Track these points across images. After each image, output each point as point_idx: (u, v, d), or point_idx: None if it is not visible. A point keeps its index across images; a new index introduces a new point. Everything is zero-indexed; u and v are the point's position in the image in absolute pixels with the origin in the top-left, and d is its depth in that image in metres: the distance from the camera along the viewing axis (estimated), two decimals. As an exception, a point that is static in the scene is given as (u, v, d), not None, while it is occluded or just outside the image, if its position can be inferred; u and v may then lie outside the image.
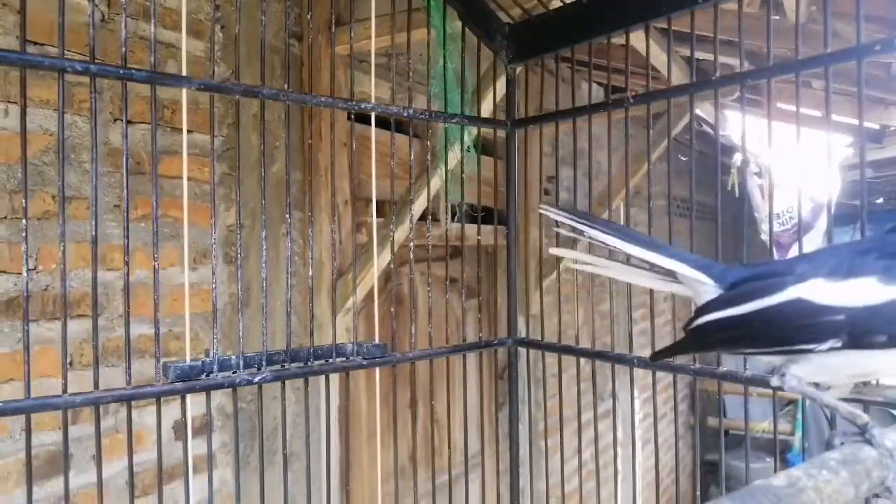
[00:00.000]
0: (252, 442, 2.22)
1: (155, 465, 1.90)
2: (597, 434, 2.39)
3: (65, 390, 1.34)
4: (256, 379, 1.60)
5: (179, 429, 2.04)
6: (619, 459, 2.05)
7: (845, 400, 1.03)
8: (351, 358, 1.79)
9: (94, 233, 1.38)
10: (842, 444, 0.93)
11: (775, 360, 1.02)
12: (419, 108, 1.96)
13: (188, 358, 1.55)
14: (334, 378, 1.90)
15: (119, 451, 1.90)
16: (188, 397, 1.52)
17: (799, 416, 6.21)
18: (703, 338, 1.07)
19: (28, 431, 1.31)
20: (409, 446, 2.04)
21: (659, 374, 1.96)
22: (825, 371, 0.98)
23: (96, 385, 1.38)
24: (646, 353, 1.85)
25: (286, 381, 1.70)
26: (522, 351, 2.35)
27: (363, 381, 2.70)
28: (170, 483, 1.97)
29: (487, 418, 3.40)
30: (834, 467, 0.84)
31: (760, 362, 1.08)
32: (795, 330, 0.98)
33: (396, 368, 1.90)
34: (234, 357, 1.59)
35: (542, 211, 1.27)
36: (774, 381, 1.01)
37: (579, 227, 1.20)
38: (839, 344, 0.93)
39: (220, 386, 1.55)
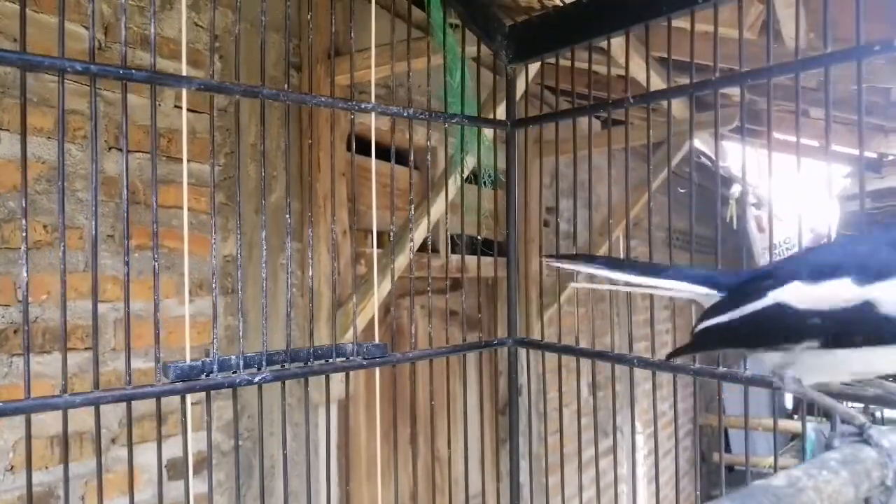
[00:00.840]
0: (250, 481, 2.15)
1: None
2: (598, 470, 2.32)
3: (64, 390, 1.32)
4: (256, 379, 1.56)
5: (174, 467, 1.97)
6: (624, 496, 1.98)
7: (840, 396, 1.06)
8: (351, 358, 1.75)
9: (94, 260, 1.36)
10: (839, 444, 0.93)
11: (775, 358, 1.05)
12: (419, 108, 1.93)
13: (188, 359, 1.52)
14: (334, 380, 1.84)
15: (111, 491, 1.84)
16: (188, 399, 1.49)
17: (805, 450, 6.11)
18: (704, 340, 1.15)
19: (28, 431, 1.28)
20: (410, 483, 1.97)
21: (662, 407, 1.91)
22: (820, 370, 1.01)
23: (96, 385, 1.36)
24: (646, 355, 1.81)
25: (286, 381, 1.66)
26: (524, 379, 2.29)
27: (363, 414, 2.64)
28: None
29: (489, 456, 3.33)
30: (834, 467, 0.83)
31: (762, 364, 1.09)
32: (775, 331, 1.03)
33: (397, 392, 1.84)
34: (234, 357, 1.56)
35: (546, 262, 1.37)
36: (776, 382, 1.05)
37: (583, 270, 1.31)
38: (816, 344, 0.97)
39: (220, 386, 1.52)
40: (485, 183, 2.15)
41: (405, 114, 1.88)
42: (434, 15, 1.96)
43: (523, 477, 2.28)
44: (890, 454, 0.87)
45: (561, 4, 2.00)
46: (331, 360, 1.72)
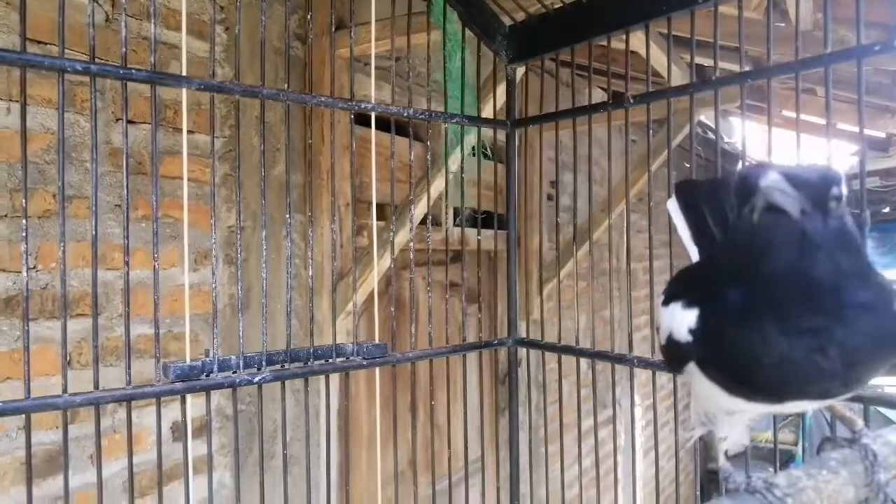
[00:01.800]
0: (251, 444, 2.21)
1: (152, 465, 1.92)
2: (597, 441, 2.37)
3: (65, 390, 1.34)
4: (256, 379, 1.59)
5: (178, 429, 2.03)
6: (620, 467, 2.04)
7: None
8: (351, 358, 1.79)
9: (94, 232, 1.38)
10: (832, 448, 0.92)
11: None
12: (419, 108, 1.95)
13: (188, 358, 1.55)
14: (334, 379, 1.89)
15: (117, 451, 1.90)
16: (188, 397, 1.52)
17: (802, 425, 6.17)
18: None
19: (28, 432, 1.31)
20: (409, 451, 2.03)
21: (660, 379, 1.95)
22: (705, 405, 0.93)
23: (96, 385, 1.38)
24: (646, 354, 1.84)
25: (286, 381, 1.69)
26: (523, 352, 2.34)
27: (363, 384, 2.70)
28: (168, 484, 1.97)
29: (488, 424, 3.39)
30: (834, 467, 0.84)
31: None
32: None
33: (397, 371, 1.89)
34: (234, 357, 1.59)
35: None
36: None
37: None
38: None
39: (219, 386, 1.55)
40: (485, 155, 2.16)
41: (405, 114, 1.89)
42: (438, 17, 1.97)
43: (522, 447, 2.34)
44: (875, 465, 0.85)
45: (561, 4, 1.99)
46: (331, 360, 1.75)
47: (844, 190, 0.75)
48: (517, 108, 2.23)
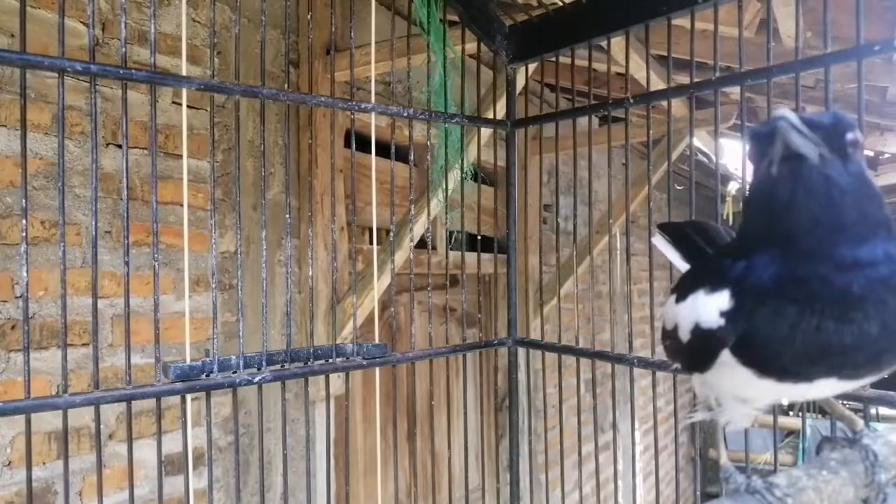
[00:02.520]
0: (246, 477, 2.15)
1: (144, 502, 1.86)
2: (598, 466, 2.33)
3: (65, 390, 1.32)
4: (256, 379, 1.56)
5: (172, 463, 1.97)
6: (620, 492, 1.99)
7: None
8: (351, 358, 1.75)
9: (94, 252, 1.35)
10: (832, 448, 0.91)
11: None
12: (419, 108, 1.93)
13: (188, 358, 1.52)
14: (332, 392, 1.84)
15: (107, 487, 1.84)
16: (188, 399, 1.49)
17: (801, 446, 6.14)
18: None
19: (28, 432, 1.28)
20: (408, 479, 1.97)
21: (659, 403, 1.91)
22: (716, 394, 0.92)
23: (96, 385, 1.36)
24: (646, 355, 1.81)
25: (286, 382, 1.66)
26: (522, 358, 2.29)
27: (360, 410, 2.64)
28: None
29: (487, 451, 3.33)
30: (834, 467, 0.83)
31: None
32: (664, 346, 0.98)
33: (395, 380, 1.85)
34: (234, 357, 1.56)
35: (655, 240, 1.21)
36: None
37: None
38: (678, 367, 0.92)
39: (219, 386, 1.52)
40: (468, 178, 2.14)
41: (405, 114, 1.88)
42: (419, 12, 1.96)
43: (521, 473, 2.29)
44: (876, 466, 0.84)
45: (561, 4, 1.99)
46: (330, 360, 1.71)
47: (860, 136, 0.72)
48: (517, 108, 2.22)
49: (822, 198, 0.69)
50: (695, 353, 0.82)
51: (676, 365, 0.92)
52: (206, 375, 1.51)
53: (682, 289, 0.87)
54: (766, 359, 0.74)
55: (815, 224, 0.69)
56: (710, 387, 0.88)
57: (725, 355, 0.77)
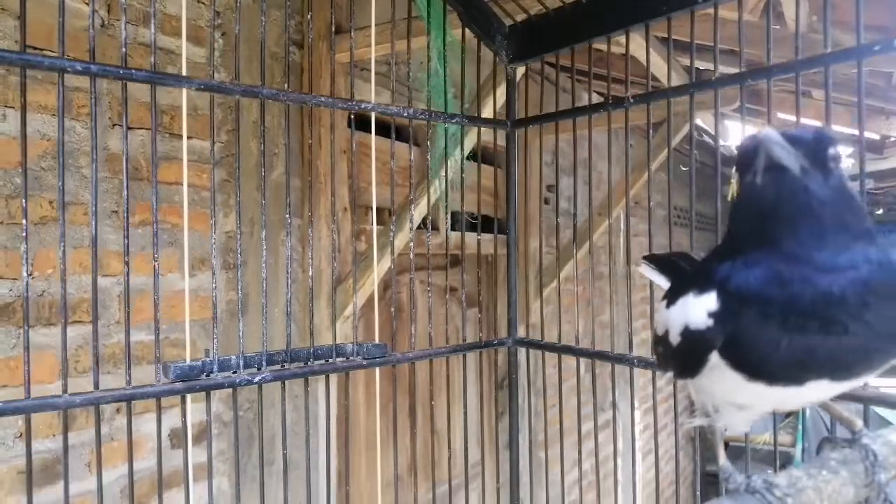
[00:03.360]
0: (250, 450, 2.20)
1: (150, 472, 1.91)
2: (597, 444, 2.37)
3: (65, 390, 1.34)
4: (256, 379, 1.58)
5: (176, 436, 2.02)
6: (620, 470, 2.03)
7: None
8: (351, 358, 1.78)
9: (94, 234, 1.37)
10: (832, 448, 0.91)
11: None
12: (419, 108, 1.95)
13: (188, 359, 1.54)
14: (333, 384, 1.88)
15: (114, 458, 1.88)
16: (188, 399, 1.51)
17: (800, 427, 6.18)
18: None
19: (28, 432, 1.30)
20: (409, 456, 2.02)
21: (659, 382, 1.94)
22: (712, 401, 0.91)
23: (96, 385, 1.38)
24: (646, 355, 1.83)
25: (286, 382, 1.68)
26: (522, 354, 2.32)
27: (362, 388, 2.69)
28: (168, 490, 1.95)
29: (487, 429, 3.38)
30: (834, 467, 0.83)
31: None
32: (656, 354, 1.00)
33: (396, 374, 1.88)
34: (234, 357, 1.58)
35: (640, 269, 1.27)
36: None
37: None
38: (670, 374, 0.92)
39: (220, 386, 1.54)
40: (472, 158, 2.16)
41: (405, 114, 1.89)
42: (420, 3, 1.96)
43: (521, 451, 2.33)
44: (876, 466, 0.85)
45: (561, 4, 1.99)
46: (330, 360, 1.74)
47: (841, 150, 0.74)
48: (517, 108, 2.22)
49: (802, 205, 0.72)
50: (685, 355, 0.83)
51: (669, 373, 0.93)
52: (206, 375, 1.53)
53: (673, 294, 0.89)
54: (753, 360, 0.76)
55: (797, 229, 0.72)
56: (706, 393, 0.89)
57: (715, 358, 0.79)
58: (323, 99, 1.77)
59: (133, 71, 1.41)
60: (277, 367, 1.65)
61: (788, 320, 0.71)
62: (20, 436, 1.72)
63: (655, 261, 1.17)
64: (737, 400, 0.84)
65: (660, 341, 0.91)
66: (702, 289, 0.80)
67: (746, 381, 0.77)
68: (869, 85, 2.70)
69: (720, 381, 0.81)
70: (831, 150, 0.73)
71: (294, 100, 1.73)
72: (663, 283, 1.12)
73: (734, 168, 0.79)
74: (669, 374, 1.04)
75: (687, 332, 0.81)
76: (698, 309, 0.80)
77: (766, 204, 0.73)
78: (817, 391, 0.77)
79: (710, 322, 0.78)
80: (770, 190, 0.73)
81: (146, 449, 1.93)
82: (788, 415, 6.51)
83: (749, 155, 0.74)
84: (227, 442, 2.15)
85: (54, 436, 1.78)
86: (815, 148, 0.73)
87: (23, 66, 1.28)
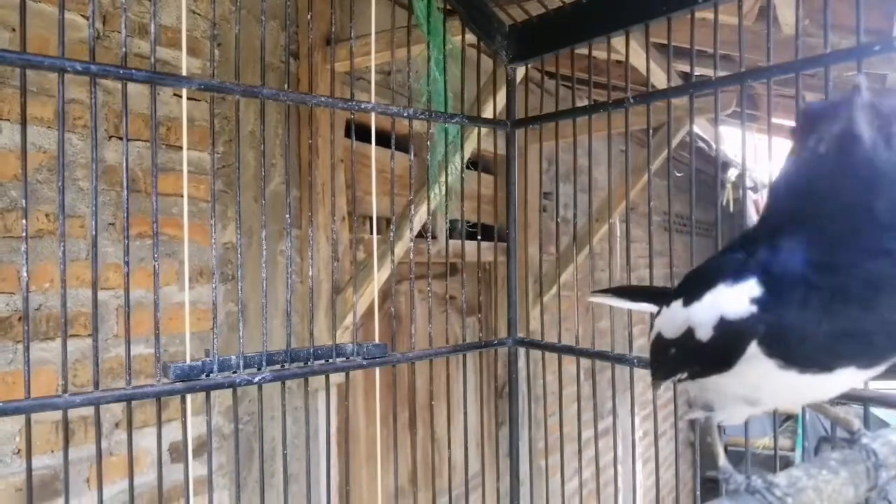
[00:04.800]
0: (250, 464, 2.18)
1: (150, 488, 1.89)
2: (597, 452, 2.35)
3: (65, 390, 1.33)
4: (256, 379, 1.57)
5: (176, 451, 2.00)
6: (620, 477, 2.02)
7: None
8: (351, 358, 1.77)
9: (94, 245, 1.36)
10: (832, 448, 0.91)
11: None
12: (419, 108, 1.94)
13: (188, 359, 1.54)
14: (333, 392, 1.86)
15: (113, 474, 1.86)
16: (188, 399, 1.50)
17: (799, 431, 6.18)
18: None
19: (28, 433, 1.29)
20: (409, 466, 2.00)
21: (658, 390, 1.93)
22: (714, 401, 0.90)
23: (96, 385, 1.37)
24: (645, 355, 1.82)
25: (286, 385, 1.67)
26: (522, 358, 2.31)
27: (361, 397, 2.67)
28: (168, 503, 1.93)
29: (487, 439, 3.36)
30: (834, 467, 0.83)
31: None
32: (658, 362, 0.98)
33: (396, 381, 1.86)
34: (234, 357, 1.57)
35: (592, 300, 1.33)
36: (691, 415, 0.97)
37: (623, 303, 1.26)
38: (684, 376, 0.90)
39: (220, 386, 1.53)
40: (467, 167, 2.15)
41: (405, 114, 1.88)
42: (418, 6, 1.96)
43: (521, 460, 2.31)
44: (878, 465, 0.84)
45: (561, 4, 1.99)
46: (330, 360, 1.73)
47: None
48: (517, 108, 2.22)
49: (864, 183, 0.68)
50: (719, 349, 0.80)
51: (682, 375, 0.90)
52: (207, 375, 1.52)
53: (690, 291, 0.86)
54: (793, 346, 0.73)
55: (853, 209, 0.69)
56: (714, 390, 0.87)
57: (753, 348, 0.76)
58: (323, 99, 1.76)
59: (133, 71, 1.40)
60: (277, 367, 1.63)
61: (834, 306, 0.70)
62: (18, 452, 1.70)
63: (610, 291, 1.21)
64: (757, 392, 0.82)
65: (672, 343, 0.89)
66: (736, 278, 0.78)
67: (779, 368, 0.75)
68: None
69: (747, 372, 0.78)
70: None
71: (294, 100, 1.72)
72: (629, 305, 1.18)
73: (791, 130, 0.75)
74: (667, 383, 1.03)
75: (723, 325, 0.78)
76: (737, 298, 0.77)
77: (826, 176, 0.70)
78: (841, 380, 0.76)
79: (754, 309, 0.75)
80: (834, 161, 0.69)
81: (145, 463, 1.91)
82: (787, 418, 6.51)
83: (822, 118, 0.70)
84: (227, 456, 2.13)
85: (52, 451, 1.76)
86: (890, 120, 0.68)
87: (23, 66, 1.27)
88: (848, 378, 0.76)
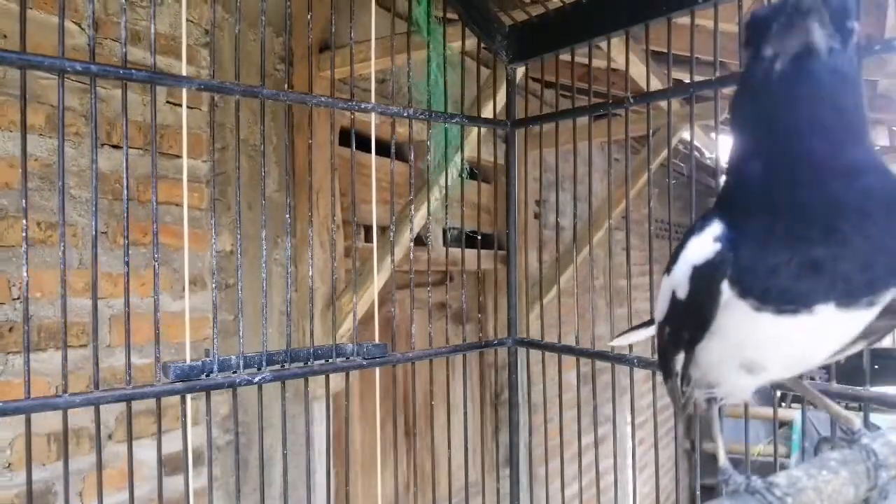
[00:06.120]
0: (245, 475, 2.14)
1: (145, 501, 1.85)
2: (597, 458, 2.33)
3: (65, 390, 1.32)
4: (256, 379, 1.57)
5: (170, 463, 1.96)
6: (619, 484, 2.00)
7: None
8: (351, 358, 1.75)
9: (94, 252, 1.36)
10: (832, 448, 0.90)
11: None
12: (419, 108, 1.94)
13: (188, 359, 1.53)
14: (330, 393, 1.85)
15: (108, 486, 1.83)
16: (188, 399, 1.49)
17: (794, 437, 6.18)
18: None
19: (28, 432, 1.28)
20: (407, 472, 1.98)
21: (659, 390, 1.92)
22: (715, 370, 0.87)
23: (96, 385, 1.36)
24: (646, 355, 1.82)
25: (286, 385, 1.66)
26: (522, 354, 2.29)
27: (358, 408, 2.64)
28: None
29: (483, 446, 3.34)
30: (834, 467, 0.83)
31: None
32: (661, 353, 0.95)
33: (396, 382, 1.85)
34: (234, 357, 1.56)
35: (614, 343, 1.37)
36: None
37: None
38: (681, 358, 0.88)
39: (220, 386, 1.52)
40: (462, 176, 2.15)
41: (405, 114, 1.88)
42: (416, 10, 1.96)
43: (520, 466, 2.30)
44: (878, 465, 0.84)
45: (561, 4, 2.00)
46: (330, 360, 1.72)
47: (857, 26, 0.67)
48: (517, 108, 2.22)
49: (825, 99, 0.65)
50: (695, 302, 0.78)
51: (679, 357, 0.87)
52: (206, 375, 1.51)
53: (670, 261, 0.85)
54: (760, 278, 0.70)
55: (814, 128, 0.66)
56: (707, 362, 0.85)
57: (726, 292, 0.74)
58: (323, 99, 1.75)
59: (133, 71, 1.39)
60: (277, 367, 1.63)
61: (796, 231, 0.67)
62: (9, 466, 1.66)
63: (629, 330, 1.22)
64: (746, 352, 0.79)
65: (663, 322, 0.87)
66: (703, 227, 0.76)
67: (755, 311, 0.72)
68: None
69: (729, 326, 0.76)
70: (850, 23, 0.65)
71: (294, 99, 1.71)
72: (648, 331, 1.16)
73: (744, 42, 0.70)
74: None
75: (695, 274, 0.77)
76: (703, 242, 0.75)
77: (785, 98, 0.66)
78: (828, 325, 0.72)
79: (718, 247, 0.73)
80: (792, 81, 0.65)
81: (139, 476, 1.87)
82: (781, 426, 6.52)
83: (773, 27, 0.65)
84: (222, 468, 2.10)
85: (44, 465, 1.73)
86: (842, 16, 0.64)
87: (23, 66, 1.27)
88: (834, 321, 0.72)
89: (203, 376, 1.50)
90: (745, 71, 0.71)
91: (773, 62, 0.66)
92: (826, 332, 0.75)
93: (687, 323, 0.82)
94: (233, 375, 1.54)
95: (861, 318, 0.73)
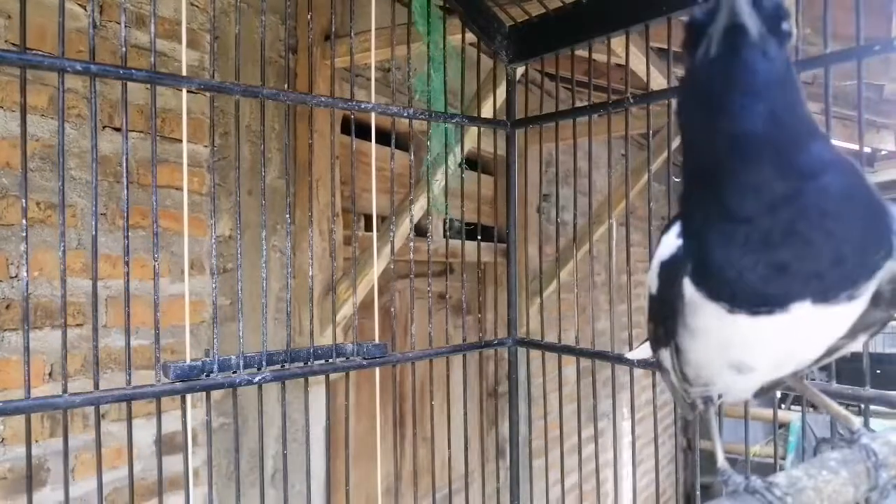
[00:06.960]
0: (232, 460, 2.16)
1: (124, 483, 1.87)
2: (597, 456, 2.34)
3: (65, 390, 1.33)
4: (256, 379, 1.57)
5: (162, 443, 1.98)
6: (617, 480, 2.01)
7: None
8: (351, 358, 1.76)
9: (94, 235, 1.37)
10: (832, 448, 0.90)
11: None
12: (419, 108, 1.94)
13: (188, 358, 1.53)
14: (324, 392, 1.85)
15: (102, 466, 1.85)
16: (188, 399, 1.50)
17: (790, 439, 6.18)
18: None
19: (28, 432, 1.29)
20: (407, 467, 1.99)
21: (658, 388, 1.93)
22: (704, 369, 0.85)
23: (96, 385, 1.36)
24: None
25: (286, 383, 1.67)
26: (522, 355, 2.30)
27: (354, 397, 2.65)
28: (151, 499, 1.91)
29: (481, 439, 3.35)
30: (834, 467, 0.82)
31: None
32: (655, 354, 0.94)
33: (395, 381, 1.86)
34: (234, 357, 1.56)
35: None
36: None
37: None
38: (670, 356, 0.87)
39: (220, 386, 1.53)
40: (464, 168, 2.15)
41: (405, 114, 1.88)
42: (416, 5, 1.96)
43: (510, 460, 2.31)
44: (878, 465, 0.83)
45: (561, 4, 1.99)
46: (330, 360, 1.73)
47: (793, 27, 0.67)
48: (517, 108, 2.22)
49: (759, 85, 0.63)
50: (663, 297, 0.78)
51: (669, 354, 0.87)
52: (206, 375, 1.52)
53: (650, 258, 0.86)
54: (723, 279, 0.69)
55: (753, 118, 0.64)
56: (696, 362, 0.84)
57: (690, 289, 0.73)
58: (323, 99, 1.75)
59: (133, 71, 1.40)
60: (277, 367, 1.63)
61: (751, 232, 0.66)
62: (1, 441, 1.68)
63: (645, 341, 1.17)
64: (730, 352, 0.78)
65: (648, 317, 0.88)
66: (670, 226, 0.78)
67: (728, 312, 0.71)
68: (864, 98, 2.70)
69: (708, 326, 0.75)
70: (785, 25, 0.65)
71: (294, 100, 1.71)
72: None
73: (682, 45, 0.70)
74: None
75: (662, 269, 0.78)
76: (667, 241, 0.76)
77: (720, 81, 0.64)
78: (807, 321, 0.70)
79: (679, 242, 0.74)
80: (724, 63, 0.64)
81: (123, 458, 1.89)
82: (779, 426, 6.51)
83: (704, 21, 0.65)
84: (211, 452, 2.11)
85: (37, 441, 1.74)
86: (774, 14, 0.64)
87: (23, 66, 1.27)
88: (815, 318, 0.70)
89: (203, 376, 1.51)
90: (686, 71, 0.71)
91: (707, 50, 0.66)
92: (809, 329, 0.73)
93: (661, 318, 0.83)
94: (233, 375, 1.55)
95: (845, 312, 0.72)
